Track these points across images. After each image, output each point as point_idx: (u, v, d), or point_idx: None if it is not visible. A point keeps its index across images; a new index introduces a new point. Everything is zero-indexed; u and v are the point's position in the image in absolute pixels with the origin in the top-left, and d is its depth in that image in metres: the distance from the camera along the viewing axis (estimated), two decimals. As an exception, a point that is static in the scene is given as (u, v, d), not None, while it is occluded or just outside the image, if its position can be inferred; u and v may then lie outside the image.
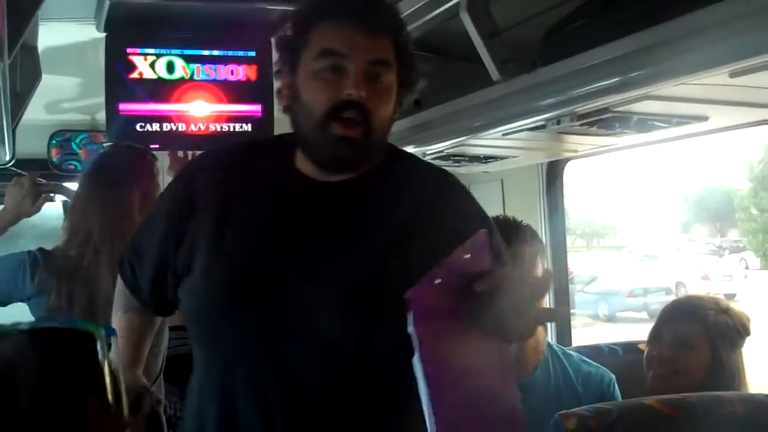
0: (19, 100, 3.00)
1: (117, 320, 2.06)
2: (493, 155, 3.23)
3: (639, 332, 3.19)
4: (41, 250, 2.92)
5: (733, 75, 1.84)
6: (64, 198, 4.01)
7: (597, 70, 2.10)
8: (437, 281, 1.44)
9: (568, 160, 3.50)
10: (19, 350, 1.24)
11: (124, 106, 3.07)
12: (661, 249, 30.05)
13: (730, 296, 20.83)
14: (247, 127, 3.22)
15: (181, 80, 3.13)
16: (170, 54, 3.10)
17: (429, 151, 3.09)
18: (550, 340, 2.99)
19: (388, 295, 1.56)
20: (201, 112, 3.17)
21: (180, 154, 3.33)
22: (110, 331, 1.31)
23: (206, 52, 3.15)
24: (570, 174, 3.71)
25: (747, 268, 26.28)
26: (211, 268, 1.79)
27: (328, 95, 1.71)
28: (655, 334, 2.62)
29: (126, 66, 3.05)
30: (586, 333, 16.00)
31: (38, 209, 3.07)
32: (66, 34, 3.14)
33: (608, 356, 3.08)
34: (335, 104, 1.70)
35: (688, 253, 28.59)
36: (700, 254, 28.35)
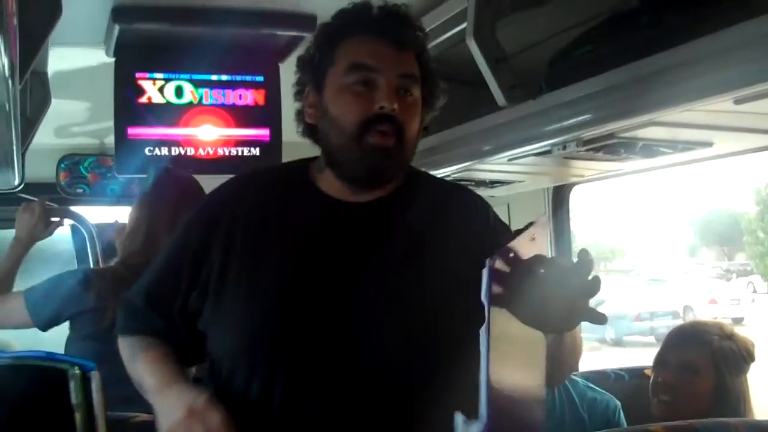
0: (28, 125, 3.02)
1: (141, 363, 1.82)
2: (499, 180, 3.24)
3: (646, 356, 3.18)
4: (95, 269, 2.94)
5: (737, 102, 1.85)
6: (72, 222, 4.05)
7: (602, 96, 2.11)
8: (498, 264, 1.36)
9: (574, 184, 3.51)
10: None
11: (132, 131, 3.09)
12: (668, 272, 29.99)
13: (738, 320, 20.79)
14: (256, 152, 3.23)
15: (190, 105, 3.15)
16: (179, 79, 3.12)
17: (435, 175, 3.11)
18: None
19: (449, 317, 1.61)
20: (209, 136, 3.18)
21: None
22: (89, 365, 1.26)
23: (214, 77, 3.17)
24: (577, 197, 3.72)
25: (755, 291, 26.22)
26: (254, 311, 1.72)
27: (360, 109, 1.71)
28: (660, 360, 2.62)
29: (135, 90, 3.07)
30: (593, 357, 15.93)
31: (51, 233, 3.10)
32: (75, 59, 3.16)
33: (614, 382, 3.08)
34: (368, 117, 1.70)
35: (695, 276, 28.53)
36: (708, 278, 28.30)
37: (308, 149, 1.90)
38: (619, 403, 2.79)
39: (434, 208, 1.83)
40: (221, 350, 1.77)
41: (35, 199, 3.16)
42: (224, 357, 1.76)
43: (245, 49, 3.11)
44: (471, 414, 1.28)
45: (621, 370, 3.17)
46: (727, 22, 1.75)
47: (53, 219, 3.12)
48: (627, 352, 18.35)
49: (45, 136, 3.46)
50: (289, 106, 3.18)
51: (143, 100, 3.09)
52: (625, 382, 3.09)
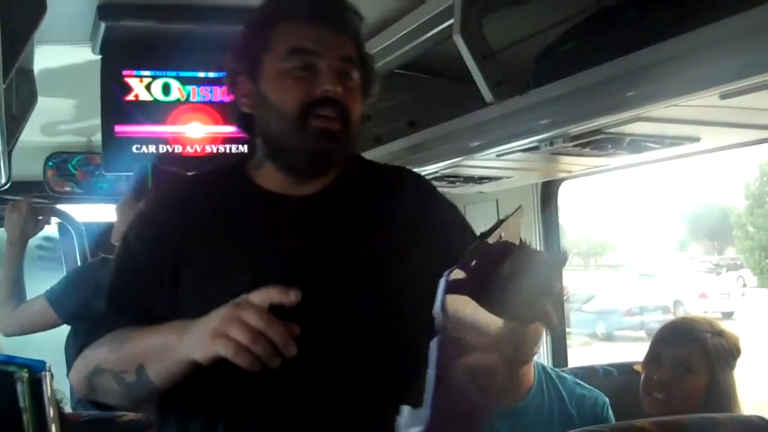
0: (14, 123, 3.00)
1: (134, 337, 1.65)
2: (487, 176, 3.24)
3: (637, 351, 3.19)
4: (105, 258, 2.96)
5: (723, 96, 1.85)
6: (59, 220, 4.04)
7: (589, 91, 2.11)
8: (473, 263, 1.35)
9: (562, 180, 3.51)
10: None
11: (120, 128, 3.07)
12: (658, 267, 30.05)
13: (728, 314, 20.86)
14: (243, 149, 3.22)
15: (177, 102, 3.14)
16: (166, 76, 3.11)
17: (423, 172, 3.10)
18: (544, 362, 2.99)
19: (405, 307, 1.57)
20: (197, 134, 3.17)
21: None
22: (39, 366, 1.21)
23: (202, 74, 3.16)
24: (566, 192, 3.72)
25: (744, 285, 26.30)
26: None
27: (302, 93, 1.66)
28: (652, 357, 2.62)
29: (122, 88, 3.06)
30: (583, 352, 15.99)
31: (40, 230, 3.11)
32: (62, 56, 3.15)
33: (603, 378, 3.08)
34: (310, 101, 1.65)
35: (685, 271, 28.60)
36: (698, 272, 28.37)
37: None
38: (607, 399, 2.79)
39: (377, 194, 1.80)
40: None
41: (21, 198, 3.16)
42: None
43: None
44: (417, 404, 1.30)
45: (610, 365, 3.17)
46: (712, 17, 1.75)
47: (42, 216, 3.12)
48: (618, 347, 18.40)
49: (32, 134, 3.45)
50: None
51: (130, 97, 3.08)
52: (614, 378, 3.09)
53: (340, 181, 1.77)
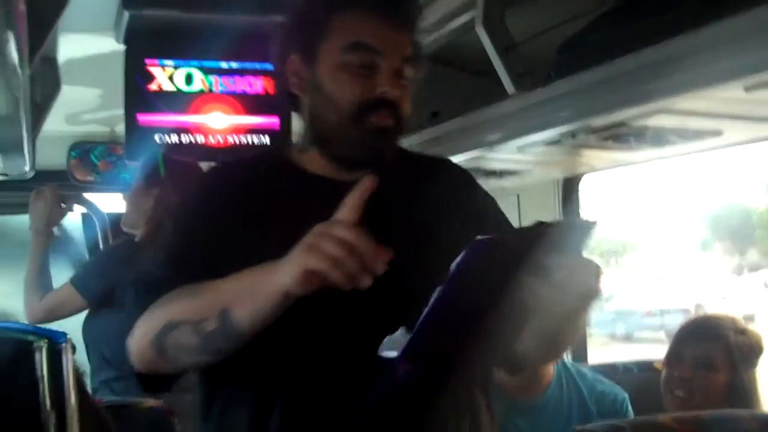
0: (39, 111, 3.03)
1: (171, 309, 1.58)
2: (508, 170, 3.22)
3: (656, 352, 3.17)
4: (141, 240, 2.98)
5: (748, 89, 1.84)
6: (84, 210, 4.06)
7: (612, 83, 2.10)
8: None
9: (583, 175, 3.49)
10: None
11: (142, 118, 3.08)
12: (679, 268, 29.92)
13: (750, 317, 20.72)
14: (266, 140, 3.22)
15: (200, 92, 3.14)
16: (189, 66, 3.11)
17: (445, 165, 3.11)
18: (564, 358, 2.98)
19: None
20: (219, 124, 3.17)
21: None
22: (60, 336, 1.16)
23: (224, 65, 3.16)
24: (588, 192, 3.69)
25: (767, 286, 26.13)
26: None
27: (360, 91, 1.62)
28: (674, 355, 2.61)
29: (145, 77, 3.06)
30: (602, 352, 15.94)
31: (63, 216, 3.14)
32: (86, 46, 3.17)
33: (623, 375, 3.07)
34: (369, 101, 1.61)
35: (706, 272, 28.45)
36: (719, 273, 28.22)
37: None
38: (626, 395, 2.78)
39: (422, 183, 1.78)
40: None
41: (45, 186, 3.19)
42: None
43: (255, 36, 3.08)
44: None
45: (630, 363, 3.16)
46: (738, 8, 1.74)
47: (66, 203, 3.15)
48: (637, 348, 18.32)
49: (56, 123, 3.46)
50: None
51: (153, 87, 3.08)
52: (634, 375, 3.08)
53: (385, 168, 1.70)
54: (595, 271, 1.48)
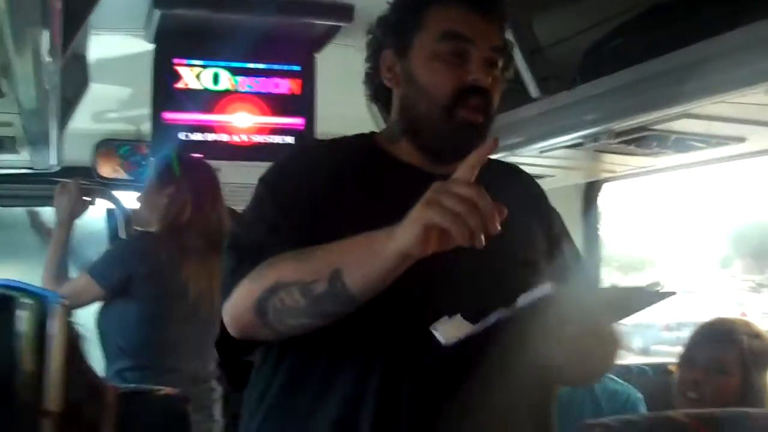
0: (67, 106, 3.07)
1: (278, 270, 1.54)
2: (530, 174, 3.24)
3: (672, 367, 3.18)
4: (158, 233, 3.02)
5: (770, 94, 1.86)
6: (110, 206, 4.11)
7: (636, 87, 2.12)
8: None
9: (605, 181, 3.51)
10: None
11: (168, 115, 3.13)
12: (699, 284, 29.77)
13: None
14: (290, 140, 3.27)
15: (226, 92, 3.19)
16: (216, 66, 3.16)
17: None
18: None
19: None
20: (244, 123, 3.22)
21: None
22: (51, 297, 1.11)
23: (251, 65, 3.20)
24: (609, 207, 3.68)
25: (790, 305, 25.96)
26: None
27: (453, 79, 1.64)
28: (688, 358, 2.62)
29: (172, 76, 3.11)
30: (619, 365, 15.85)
31: (85, 210, 3.18)
32: (116, 45, 3.22)
33: (637, 377, 3.08)
34: (461, 89, 1.63)
35: (726, 288, 28.29)
36: (739, 290, 28.05)
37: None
38: (640, 395, 2.79)
39: (505, 184, 1.73)
40: None
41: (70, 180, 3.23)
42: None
43: (282, 37, 3.14)
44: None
45: (644, 365, 3.16)
46: (761, 14, 1.76)
47: (89, 197, 3.20)
48: (654, 362, 18.24)
49: (83, 120, 3.51)
50: (323, 97, 3.25)
51: (180, 85, 3.13)
52: (649, 378, 3.09)
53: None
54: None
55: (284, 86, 3.23)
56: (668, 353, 19.46)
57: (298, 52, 3.22)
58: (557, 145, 2.57)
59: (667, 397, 2.63)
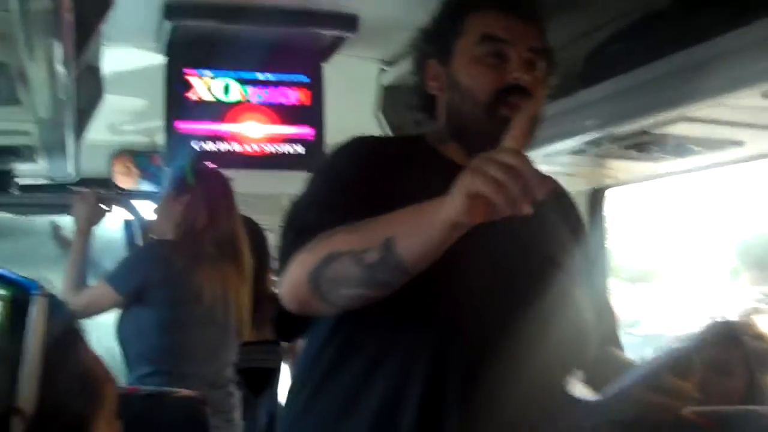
0: (82, 117, 3.09)
1: (332, 242, 1.54)
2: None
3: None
4: (173, 241, 3.04)
5: (765, 95, 1.86)
6: (127, 217, 4.13)
7: (635, 91, 2.13)
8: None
9: (609, 188, 3.50)
10: None
11: (181, 125, 3.15)
12: (708, 295, 29.63)
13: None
14: (300, 150, 3.28)
15: (237, 102, 3.21)
16: (227, 76, 3.18)
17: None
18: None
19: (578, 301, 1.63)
20: (255, 133, 3.23)
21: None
22: (30, 285, 1.02)
23: (260, 76, 3.22)
24: (616, 216, 3.67)
25: (793, 315, 25.82)
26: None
27: (494, 79, 1.66)
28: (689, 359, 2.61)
29: (184, 87, 3.13)
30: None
31: (103, 218, 3.21)
32: (128, 57, 3.24)
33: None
34: (502, 87, 1.66)
35: (734, 299, 28.16)
36: (747, 301, 27.92)
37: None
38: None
39: (551, 195, 1.73)
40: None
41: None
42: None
43: (289, 48, 3.15)
44: None
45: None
46: (753, 17, 1.76)
47: (107, 205, 3.22)
48: (664, 371, 18.15)
49: (98, 132, 3.53)
50: (330, 106, 3.27)
51: (192, 96, 3.15)
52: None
53: None
54: None
55: (293, 96, 3.25)
56: (678, 363, 19.41)
57: (306, 63, 3.24)
58: (561, 151, 2.57)
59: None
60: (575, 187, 3.43)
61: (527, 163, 1.30)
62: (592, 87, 2.28)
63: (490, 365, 1.59)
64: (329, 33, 3.03)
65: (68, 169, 3.32)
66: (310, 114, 3.27)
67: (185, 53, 3.10)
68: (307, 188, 1.73)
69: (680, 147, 2.41)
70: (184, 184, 3.07)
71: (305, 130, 3.28)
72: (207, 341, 3.00)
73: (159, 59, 3.15)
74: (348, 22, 2.91)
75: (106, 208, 3.22)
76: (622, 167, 2.85)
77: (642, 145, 2.40)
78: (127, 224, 4.30)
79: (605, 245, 3.73)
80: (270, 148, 3.26)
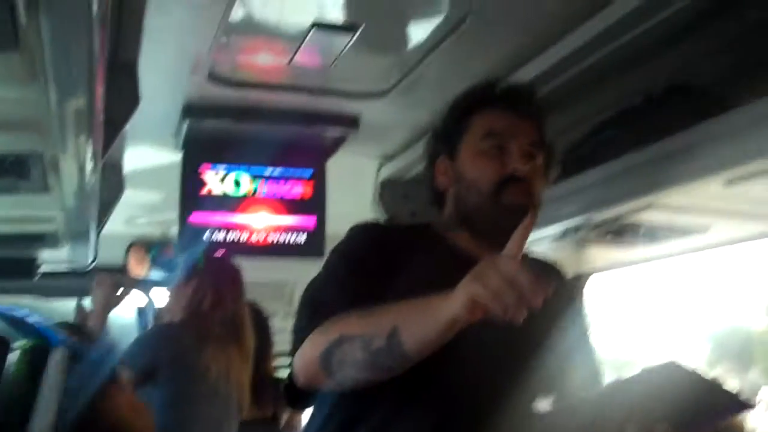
0: (103, 209, 3.16)
1: (343, 325, 1.58)
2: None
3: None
4: (179, 323, 3.09)
5: (727, 183, 1.95)
6: (140, 305, 4.18)
7: (610, 180, 2.22)
8: None
9: (590, 275, 3.56)
10: None
11: (194, 217, 3.22)
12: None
13: None
14: (302, 239, 3.34)
15: (246, 195, 3.28)
16: (238, 170, 3.26)
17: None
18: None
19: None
20: (262, 224, 3.30)
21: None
22: (54, 339, 0.97)
23: (269, 171, 3.30)
24: (597, 305, 3.68)
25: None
26: None
27: (496, 170, 1.74)
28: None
29: (198, 181, 3.21)
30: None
31: (119, 302, 3.26)
32: (147, 154, 3.33)
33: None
34: (503, 178, 1.73)
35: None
36: (723, 391, 27.51)
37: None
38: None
39: (552, 280, 1.74)
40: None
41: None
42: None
43: (297, 146, 3.24)
44: None
45: None
46: (713, 112, 1.86)
47: (125, 289, 3.28)
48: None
49: (116, 223, 3.60)
50: (332, 198, 3.35)
51: (205, 190, 3.22)
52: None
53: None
54: None
55: (298, 190, 3.33)
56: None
57: (311, 159, 3.33)
58: (544, 237, 2.64)
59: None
60: (558, 273, 3.50)
61: (524, 273, 1.33)
62: (572, 177, 2.36)
63: None
64: (333, 132, 3.14)
65: (89, 258, 3.38)
66: (312, 206, 3.34)
67: (200, 150, 3.19)
68: (323, 269, 1.79)
69: (650, 233, 2.49)
70: (194, 269, 3.15)
71: (307, 221, 3.35)
72: (211, 417, 3.03)
73: (175, 155, 3.24)
74: (350, 122, 3.02)
75: (123, 293, 3.28)
76: (599, 253, 2.92)
77: (616, 232, 2.47)
78: (141, 311, 4.35)
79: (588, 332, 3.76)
80: (273, 237, 3.33)
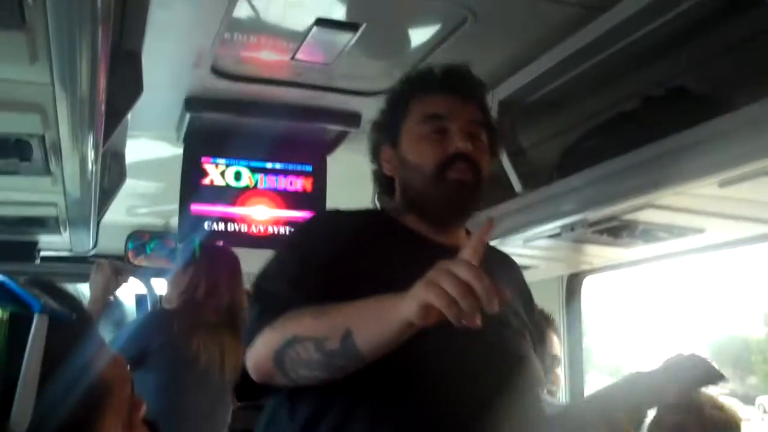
0: (104, 197, 3.17)
1: (296, 325, 1.55)
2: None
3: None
4: (171, 309, 3.11)
5: (722, 184, 1.95)
6: (139, 292, 4.19)
7: (605, 180, 2.22)
8: None
9: (586, 274, 3.56)
10: None
11: (195, 207, 3.23)
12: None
13: (748, 439, 20.16)
14: (300, 231, 3.35)
15: (246, 188, 3.30)
16: (238, 164, 3.27)
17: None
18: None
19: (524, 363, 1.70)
20: (262, 216, 3.32)
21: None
22: (35, 305, 0.89)
23: (270, 165, 3.32)
24: (594, 310, 3.68)
25: (765, 412, 25.52)
26: None
27: (438, 152, 1.74)
28: (656, 421, 2.66)
29: (199, 172, 3.23)
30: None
31: (118, 288, 3.28)
32: (149, 145, 3.35)
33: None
34: (445, 158, 1.74)
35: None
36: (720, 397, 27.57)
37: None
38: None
39: (498, 264, 1.85)
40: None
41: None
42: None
43: (298, 141, 3.26)
44: None
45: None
46: (709, 114, 1.87)
47: (122, 275, 3.29)
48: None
49: (117, 212, 3.62)
50: (332, 193, 3.36)
51: (206, 181, 3.24)
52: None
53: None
54: None
55: (298, 184, 3.35)
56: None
57: (312, 154, 3.35)
58: (539, 235, 2.65)
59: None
60: (554, 271, 3.51)
61: (480, 277, 1.30)
62: (568, 177, 2.37)
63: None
64: (334, 128, 3.16)
65: (89, 245, 3.39)
66: (312, 200, 3.36)
67: (201, 142, 3.21)
68: (274, 261, 1.75)
69: (647, 232, 2.50)
70: (191, 258, 3.17)
71: (307, 215, 3.36)
72: (201, 403, 3.05)
73: (177, 147, 3.26)
74: (351, 119, 3.04)
75: (122, 280, 3.29)
76: (596, 252, 2.93)
77: (613, 230, 2.48)
78: (140, 299, 4.37)
79: (580, 328, 3.77)
80: (273, 230, 3.34)
